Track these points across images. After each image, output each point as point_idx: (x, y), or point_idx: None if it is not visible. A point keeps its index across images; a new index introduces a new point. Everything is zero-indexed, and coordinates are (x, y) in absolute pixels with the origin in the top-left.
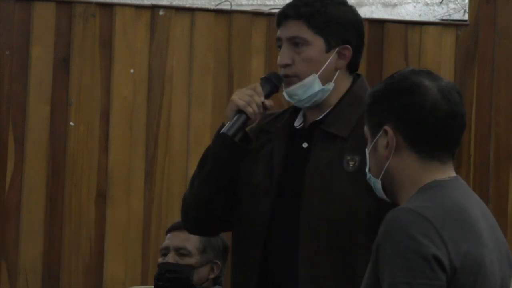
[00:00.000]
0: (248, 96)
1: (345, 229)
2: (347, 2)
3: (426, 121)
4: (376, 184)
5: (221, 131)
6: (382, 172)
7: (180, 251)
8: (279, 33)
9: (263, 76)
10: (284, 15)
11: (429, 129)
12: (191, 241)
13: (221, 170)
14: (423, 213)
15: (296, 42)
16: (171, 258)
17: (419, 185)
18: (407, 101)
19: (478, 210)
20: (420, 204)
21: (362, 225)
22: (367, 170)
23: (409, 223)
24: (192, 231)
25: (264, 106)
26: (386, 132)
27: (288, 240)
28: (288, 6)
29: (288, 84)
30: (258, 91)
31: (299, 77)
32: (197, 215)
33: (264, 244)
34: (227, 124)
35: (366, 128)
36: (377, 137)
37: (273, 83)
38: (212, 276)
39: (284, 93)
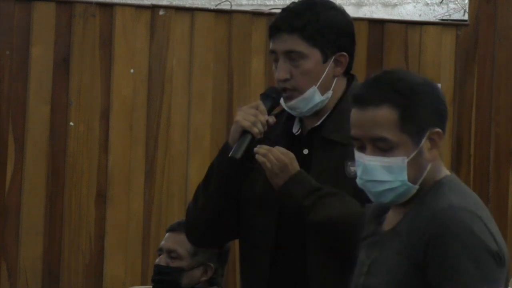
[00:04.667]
0: (253, 116)
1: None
2: (336, 5)
3: (447, 115)
4: (413, 190)
5: (230, 155)
6: (423, 177)
7: (171, 254)
8: (272, 46)
9: (262, 92)
10: (277, 27)
11: (446, 123)
12: (182, 244)
13: (226, 190)
14: (471, 209)
15: (292, 56)
16: (162, 260)
17: (434, 180)
18: (439, 99)
19: None
20: (461, 200)
21: None
22: (402, 178)
23: (467, 220)
24: (197, 245)
25: (268, 124)
26: (436, 134)
27: (295, 248)
28: (280, 18)
29: (289, 99)
30: (261, 109)
31: (298, 91)
32: (202, 231)
33: (271, 253)
34: (234, 147)
35: (396, 137)
36: (422, 143)
37: (273, 98)
38: (204, 278)
39: (284, 106)
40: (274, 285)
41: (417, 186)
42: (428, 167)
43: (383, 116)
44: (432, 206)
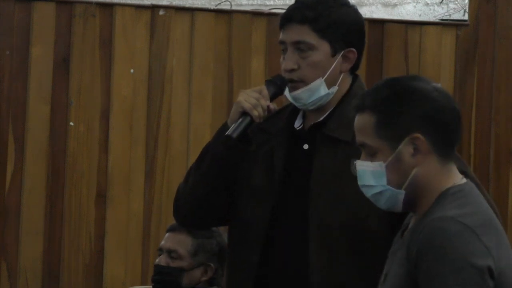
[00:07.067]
0: (254, 99)
1: (358, 235)
2: (349, 2)
3: (447, 122)
4: (399, 195)
5: (226, 133)
6: (407, 182)
7: (171, 254)
8: (282, 36)
9: (268, 78)
10: (288, 18)
11: (449, 130)
12: (183, 244)
13: (219, 170)
14: (464, 221)
15: (301, 47)
16: (163, 260)
17: (440, 190)
18: (428, 106)
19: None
20: (457, 212)
21: (373, 230)
22: (383, 183)
23: (454, 232)
24: (182, 225)
25: (269, 110)
26: (416, 139)
27: (291, 246)
28: (291, 9)
29: (294, 88)
30: (264, 94)
31: (304, 82)
32: (190, 211)
33: (262, 248)
34: (232, 126)
35: (374, 143)
36: (399, 147)
37: (278, 86)
38: (204, 278)
39: (289, 97)
40: (260, 281)
41: (402, 191)
42: (413, 172)
43: (363, 122)
44: (429, 217)
